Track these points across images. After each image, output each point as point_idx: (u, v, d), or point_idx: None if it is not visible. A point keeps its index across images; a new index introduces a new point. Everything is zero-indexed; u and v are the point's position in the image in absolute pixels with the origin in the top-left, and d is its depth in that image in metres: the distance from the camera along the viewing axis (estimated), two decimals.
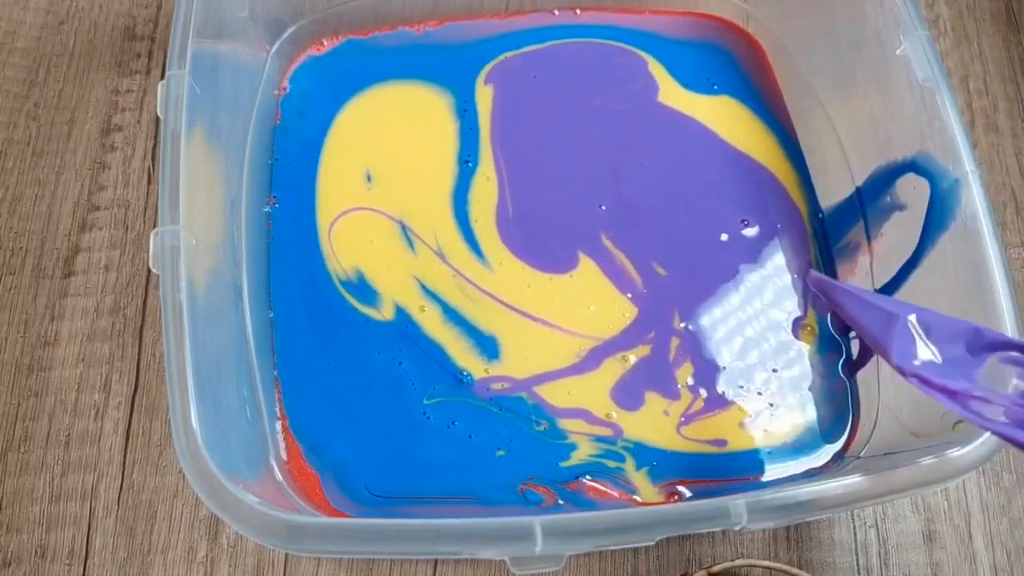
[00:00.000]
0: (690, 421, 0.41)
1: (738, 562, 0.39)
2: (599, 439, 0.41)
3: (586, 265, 0.45)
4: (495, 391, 0.42)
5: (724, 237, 0.46)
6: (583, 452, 0.41)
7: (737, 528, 0.31)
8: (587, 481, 0.40)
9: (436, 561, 0.40)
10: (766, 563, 0.39)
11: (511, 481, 0.40)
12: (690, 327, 0.43)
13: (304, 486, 0.40)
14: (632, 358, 0.43)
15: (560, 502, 0.40)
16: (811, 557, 0.40)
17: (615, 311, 0.44)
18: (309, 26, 0.49)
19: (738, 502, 0.31)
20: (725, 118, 0.49)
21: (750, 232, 0.46)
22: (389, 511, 0.39)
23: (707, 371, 0.43)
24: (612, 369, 0.42)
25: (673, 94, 0.50)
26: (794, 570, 0.39)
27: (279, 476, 0.39)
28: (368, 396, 0.42)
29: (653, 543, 0.31)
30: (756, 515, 0.31)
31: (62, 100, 0.49)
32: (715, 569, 0.39)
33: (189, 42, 0.38)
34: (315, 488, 0.40)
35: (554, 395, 0.42)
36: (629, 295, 0.44)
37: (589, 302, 0.44)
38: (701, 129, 0.49)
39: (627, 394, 0.42)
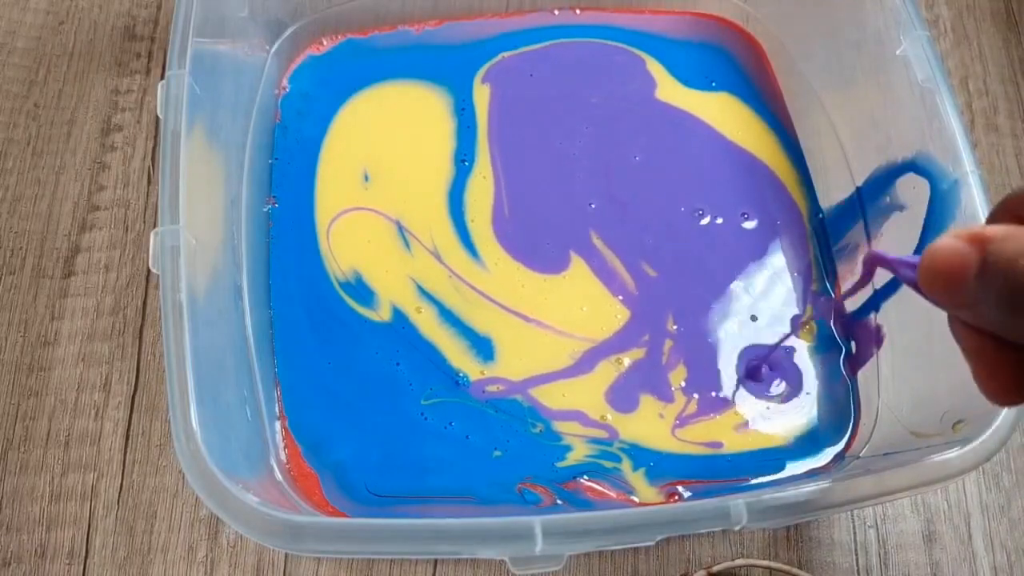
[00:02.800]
0: (685, 424, 0.41)
1: (738, 562, 0.39)
2: (595, 441, 0.41)
3: (578, 266, 0.45)
4: (490, 393, 0.42)
5: (722, 233, 0.46)
6: (579, 453, 0.41)
7: (737, 528, 0.31)
8: (585, 481, 0.40)
9: (436, 561, 0.40)
10: (766, 563, 0.39)
11: (509, 480, 0.40)
12: (683, 329, 0.43)
13: (304, 486, 0.40)
14: (626, 360, 0.43)
15: (558, 502, 0.40)
16: (811, 557, 0.40)
17: (607, 313, 0.44)
18: (309, 26, 0.49)
19: (738, 502, 0.31)
20: (724, 114, 0.49)
21: (749, 225, 0.46)
22: (389, 511, 0.39)
23: (701, 374, 0.43)
24: (606, 371, 0.42)
25: (671, 91, 0.50)
26: (794, 570, 0.39)
27: (279, 476, 0.39)
28: (367, 397, 0.42)
29: (653, 543, 0.31)
30: (756, 515, 0.31)
31: (62, 100, 0.49)
32: (715, 569, 0.39)
33: (189, 42, 0.38)
34: (315, 488, 0.40)
35: (549, 397, 0.42)
36: (620, 297, 0.44)
37: (581, 303, 0.44)
38: (699, 124, 0.49)
39: (621, 396, 0.42)
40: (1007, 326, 0.21)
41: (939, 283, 0.22)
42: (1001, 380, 0.23)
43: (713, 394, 0.42)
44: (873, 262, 0.28)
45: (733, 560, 0.39)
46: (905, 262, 0.26)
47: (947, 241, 0.22)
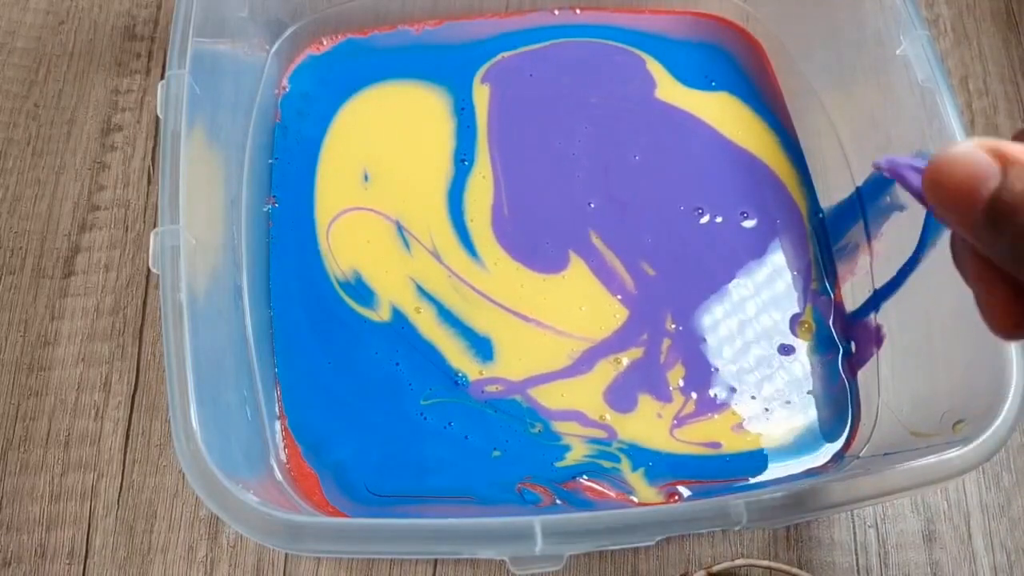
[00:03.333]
0: (683, 424, 0.41)
1: (738, 562, 0.39)
2: (593, 441, 0.41)
3: (577, 265, 0.45)
4: (489, 393, 0.42)
5: (721, 232, 0.46)
6: (578, 453, 0.41)
7: (737, 528, 0.31)
8: (584, 481, 0.40)
9: (436, 561, 0.40)
10: (766, 563, 0.39)
11: (508, 480, 0.40)
12: (681, 328, 0.43)
13: (304, 486, 0.40)
14: (624, 360, 0.43)
15: (557, 501, 0.40)
16: (811, 557, 0.40)
17: (606, 312, 0.44)
18: (309, 25, 0.49)
19: (738, 502, 0.31)
20: (724, 114, 0.49)
21: (748, 224, 0.46)
22: (388, 510, 0.39)
23: (699, 373, 0.43)
24: (605, 371, 0.42)
25: (671, 91, 0.50)
26: (794, 570, 0.39)
27: (279, 476, 0.39)
28: (367, 396, 0.42)
29: (653, 543, 0.31)
30: (756, 515, 0.31)
31: (62, 100, 0.49)
32: (715, 569, 0.39)
33: (189, 42, 0.38)
34: (315, 488, 0.40)
35: (547, 397, 0.42)
36: (619, 297, 0.44)
37: (580, 303, 0.44)
38: (699, 124, 0.49)
39: (620, 396, 0.42)
40: (1019, 268, 0.18)
41: (948, 197, 0.19)
42: (1004, 312, 0.20)
43: (711, 393, 0.42)
44: (884, 168, 0.24)
45: (733, 560, 0.39)
46: (914, 167, 0.23)
47: (966, 149, 0.19)
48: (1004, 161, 0.18)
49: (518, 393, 0.42)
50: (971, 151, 0.19)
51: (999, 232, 0.18)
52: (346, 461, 0.40)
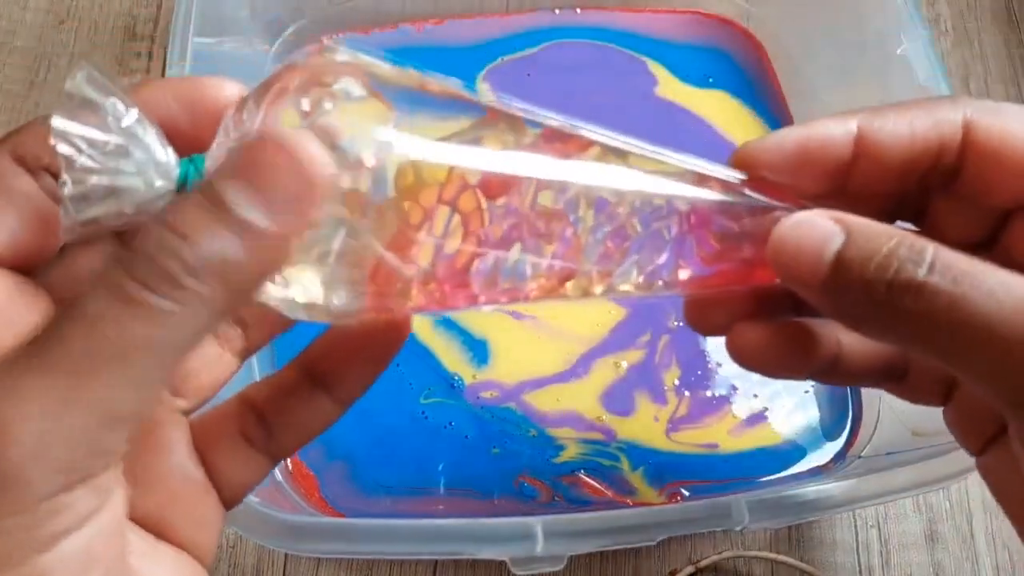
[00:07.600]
0: (680, 424, 0.41)
1: (726, 554, 0.39)
2: (591, 442, 0.41)
3: None
4: (485, 400, 0.42)
5: None
6: (576, 452, 0.41)
7: (739, 528, 0.31)
8: (583, 476, 0.40)
9: (436, 561, 0.40)
10: (753, 553, 0.39)
11: (507, 474, 0.40)
12: (681, 324, 0.43)
13: (304, 486, 0.39)
14: (624, 364, 0.43)
15: (556, 497, 0.39)
16: (812, 557, 0.40)
17: (602, 309, 0.43)
18: (309, 25, 0.49)
19: (739, 502, 0.31)
20: (724, 114, 0.49)
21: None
22: (389, 502, 0.39)
23: (698, 374, 0.42)
24: (602, 374, 0.42)
25: (672, 88, 0.50)
26: (792, 560, 0.39)
27: (279, 476, 0.39)
28: (368, 394, 0.41)
29: (654, 543, 0.31)
30: (757, 515, 0.31)
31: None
32: (703, 564, 0.39)
33: (189, 41, 0.38)
34: (313, 489, 0.39)
35: (542, 402, 0.41)
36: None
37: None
38: (700, 123, 0.49)
39: (617, 399, 0.42)
40: (861, 325, 0.20)
41: (794, 259, 0.20)
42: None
43: (712, 392, 0.42)
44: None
45: (720, 553, 0.39)
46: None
47: (808, 215, 0.20)
48: (845, 224, 0.19)
49: (512, 400, 0.41)
50: (813, 216, 0.20)
51: (842, 290, 0.19)
52: (347, 458, 0.40)
